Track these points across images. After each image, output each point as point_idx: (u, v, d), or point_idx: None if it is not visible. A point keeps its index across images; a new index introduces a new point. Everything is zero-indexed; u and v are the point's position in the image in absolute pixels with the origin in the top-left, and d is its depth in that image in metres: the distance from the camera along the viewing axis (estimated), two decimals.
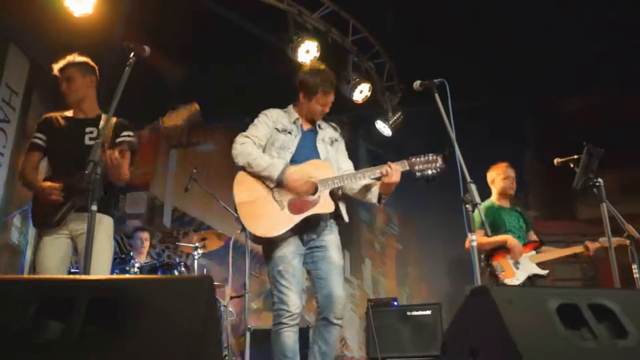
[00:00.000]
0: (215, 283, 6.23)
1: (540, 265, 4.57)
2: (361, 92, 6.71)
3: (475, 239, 2.86)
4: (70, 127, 3.47)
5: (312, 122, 3.53)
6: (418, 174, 3.30)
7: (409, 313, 6.06)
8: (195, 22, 5.88)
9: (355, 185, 3.43)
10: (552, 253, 4.63)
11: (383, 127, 7.46)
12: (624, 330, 1.74)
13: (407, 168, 3.30)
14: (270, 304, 3.29)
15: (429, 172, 3.29)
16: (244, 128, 3.46)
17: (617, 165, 6.36)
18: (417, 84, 3.36)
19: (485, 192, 4.88)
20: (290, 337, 3.10)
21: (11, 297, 1.46)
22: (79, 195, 3.16)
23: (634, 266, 3.96)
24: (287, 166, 3.21)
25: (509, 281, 4.48)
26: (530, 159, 8.01)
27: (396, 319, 6.04)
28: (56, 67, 3.55)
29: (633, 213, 5.10)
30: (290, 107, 3.55)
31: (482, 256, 4.62)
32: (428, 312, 6.01)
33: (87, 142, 3.38)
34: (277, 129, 3.40)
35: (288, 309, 3.10)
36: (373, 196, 3.40)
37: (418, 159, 3.32)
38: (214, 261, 7.60)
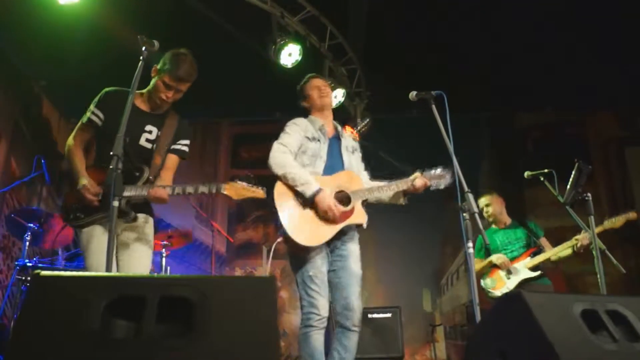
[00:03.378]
0: None
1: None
2: (335, 97, 6.82)
3: (472, 252, 2.97)
4: (132, 118, 2.99)
5: (334, 127, 3.68)
6: (432, 187, 3.58)
7: (370, 315, 6.14)
8: (174, 16, 5.82)
9: (382, 195, 3.58)
10: (545, 254, 4.87)
11: (351, 133, 7.57)
12: (638, 334, 1.90)
13: (428, 183, 3.57)
14: None
15: (441, 186, 3.57)
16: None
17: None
18: (413, 94, 3.47)
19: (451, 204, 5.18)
20: (318, 340, 3.17)
21: (81, 295, 1.45)
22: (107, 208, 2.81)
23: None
24: (319, 190, 3.25)
25: (497, 292, 4.88)
26: (487, 170, 8.36)
27: None
28: (174, 75, 3.16)
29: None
30: (310, 116, 3.67)
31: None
32: (388, 315, 6.13)
33: (143, 142, 3.19)
34: (307, 137, 3.49)
35: (318, 313, 3.18)
36: (402, 200, 3.65)
37: (431, 173, 3.59)
38: (174, 260, 7.52)
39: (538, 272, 4.83)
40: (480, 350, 2.02)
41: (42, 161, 5.59)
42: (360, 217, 3.42)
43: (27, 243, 4.99)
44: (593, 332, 1.87)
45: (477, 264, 4.89)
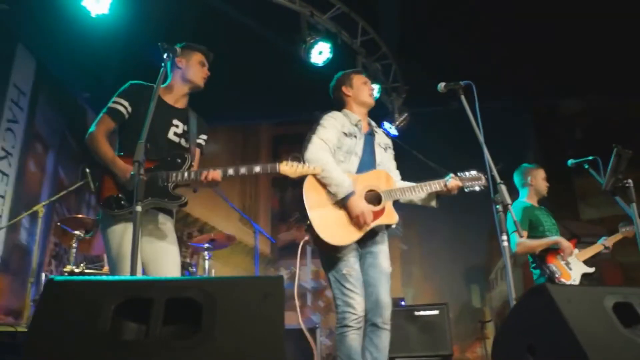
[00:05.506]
0: None
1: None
2: None
3: (507, 245, 2.87)
4: (160, 111, 3.02)
5: (368, 123, 3.63)
6: (466, 189, 3.52)
7: (416, 313, 6.06)
8: (204, 23, 5.89)
9: (413, 197, 3.53)
10: (594, 247, 4.61)
11: (389, 128, 7.51)
12: None
13: (461, 185, 3.50)
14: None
15: (476, 188, 3.52)
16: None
17: None
18: (441, 85, 3.40)
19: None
20: (355, 340, 3.13)
21: (92, 298, 1.47)
22: (158, 193, 2.97)
23: None
24: (352, 193, 3.21)
25: (567, 284, 4.44)
26: (532, 160, 8.10)
27: (404, 319, 6.04)
28: (205, 51, 3.33)
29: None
30: (346, 110, 3.60)
31: (534, 260, 4.62)
32: (435, 312, 6.02)
33: (171, 135, 3.17)
34: (344, 132, 3.44)
35: (354, 312, 3.14)
36: (434, 203, 3.60)
37: (465, 175, 3.53)
38: (218, 262, 7.62)
39: (594, 269, 4.53)
40: (508, 345, 1.95)
41: (87, 170, 5.73)
42: (390, 217, 3.36)
43: (75, 250, 5.15)
44: (626, 326, 1.78)
45: (532, 241, 4.48)
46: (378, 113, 7.45)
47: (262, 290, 1.50)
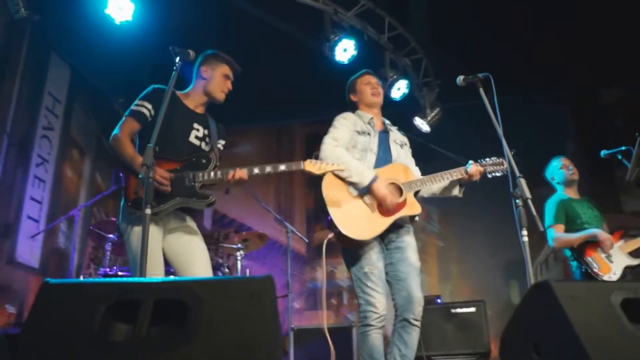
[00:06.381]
0: None
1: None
2: (399, 89, 6.72)
3: (526, 240, 2.79)
4: (181, 114, 3.15)
5: (382, 121, 3.64)
6: (489, 175, 3.49)
7: (453, 310, 5.97)
8: (230, 23, 5.94)
9: (434, 187, 3.52)
10: (632, 243, 4.40)
11: (421, 124, 7.40)
12: None
13: (483, 170, 3.46)
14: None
15: (498, 173, 3.48)
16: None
17: None
18: (460, 79, 3.36)
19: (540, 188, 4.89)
20: (377, 339, 3.11)
21: (82, 300, 1.51)
22: (186, 193, 3.02)
23: None
24: (376, 178, 3.23)
25: (606, 277, 4.28)
26: (573, 151, 7.85)
27: (440, 316, 5.96)
28: (232, 64, 3.36)
29: None
30: (358, 111, 3.64)
31: (572, 254, 4.48)
32: (472, 309, 5.92)
33: (192, 139, 3.22)
34: (357, 131, 3.46)
35: (376, 311, 3.12)
36: (456, 191, 3.55)
37: (486, 161, 3.49)
38: (255, 262, 7.69)
39: (639, 261, 4.32)
40: (515, 343, 1.89)
41: (120, 175, 5.87)
42: (413, 208, 3.33)
43: (108, 253, 5.28)
44: (637, 322, 1.70)
45: (569, 235, 4.39)
46: (408, 109, 7.43)
47: (250, 291, 1.49)
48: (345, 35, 5.81)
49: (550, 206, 4.64)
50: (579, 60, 6.80)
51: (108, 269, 5.15)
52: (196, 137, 3.25)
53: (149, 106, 3.13)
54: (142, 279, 1.73)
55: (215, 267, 5.92)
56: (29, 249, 5.85)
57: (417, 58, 7.05)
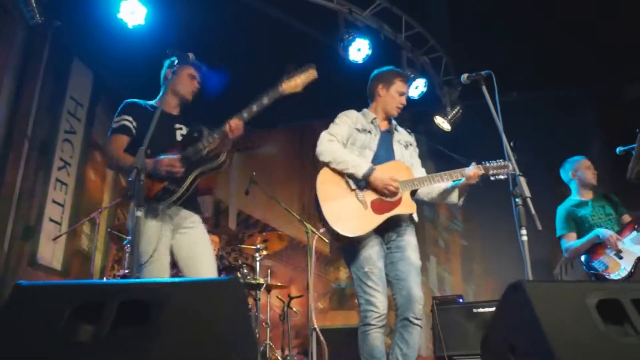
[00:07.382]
0: (279, 284, 6.34)
1: None
2: (417, 88, 6.67)
3: (526, 239, 2.75)
4: (162, 120, 3.13)
5: (389, 121, 3.59)
6: (492, 178, 3.41)
7: (475, 310, 5.91)
8: (244, 24, 5.98)
9: (432, 188, 3.48)
10: None
11: (442, 122, 7.34)
12: None
13: (483, 172, 3.38)
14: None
15: (501, 176, 3.38)
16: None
17: None
18: (464, 77, 3.34)
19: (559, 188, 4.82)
20: (378, 339, 3.11)
21: (49, 301, 1.56)
22: (198, 164, 3.12)
23: None
24: (372, 168, 3.24)
25: (615, 275, 4.26)
26: (599, 148, 7.66)
27: (462, 316, 5.90)
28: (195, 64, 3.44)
29: None
30: (365, 109, 3.61)
31: (583, 260, 4.47)
32: (494, 309, 5.82)
33: (178, 138, 3.29)
34: (357, 129, 3.44)
35: (376, 310, 3.12)
36: (454, 197, 3.47)
37: (490, 164, 3.40)
38: (280, 262, 7.75)
39: None
40: (493, 344, 1.88)
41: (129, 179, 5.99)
42: (408, 207, 3.29)
43: (127, 254, 5.39)
44: (613, 324, 1.67)
45: (574, 244, 4.40)
46: (429, 108, 7.37)
47: (215, 293, 1.52)
48: (359, 35, 5.81)
49: (559, 215, 4.64)
50: (600, 56, 6.64)
51: (127, 271, 5.26)
52: (181, 135, 3.32)
53: (130, 118, 3.22)
54: (108, 281, 1.78)
55: (234, 268, 5.97)
56: (50, 251, 5.99)
57: (437, 56, 6.98)
